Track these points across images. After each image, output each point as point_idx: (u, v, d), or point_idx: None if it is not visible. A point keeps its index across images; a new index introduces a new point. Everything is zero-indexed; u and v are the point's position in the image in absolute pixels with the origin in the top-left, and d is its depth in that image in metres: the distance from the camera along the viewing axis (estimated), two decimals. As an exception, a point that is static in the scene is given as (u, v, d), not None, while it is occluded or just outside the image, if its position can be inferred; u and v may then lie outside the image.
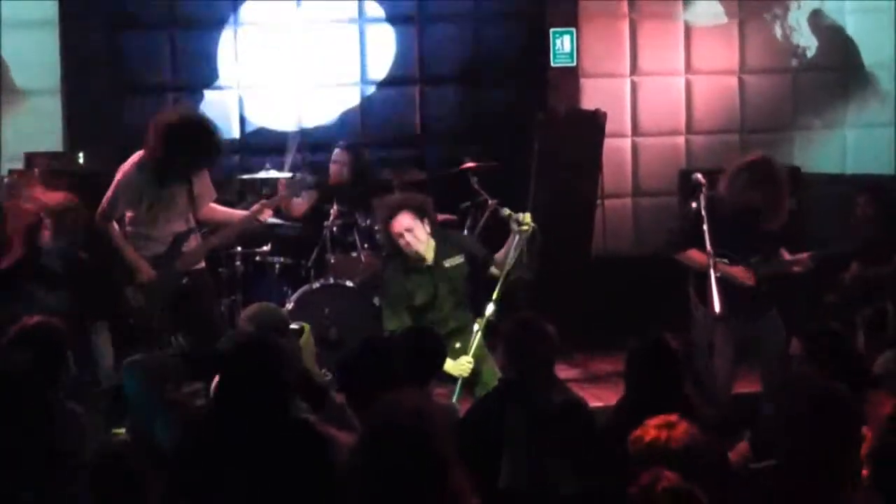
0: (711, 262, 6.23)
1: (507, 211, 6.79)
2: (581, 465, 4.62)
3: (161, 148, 6.59)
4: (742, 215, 6.55)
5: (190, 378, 5.18)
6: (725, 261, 6.49)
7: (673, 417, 3.86)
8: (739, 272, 6.59)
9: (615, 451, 4.07)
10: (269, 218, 7.13)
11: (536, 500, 4.65)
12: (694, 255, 6.55)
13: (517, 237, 6.63)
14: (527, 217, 6.65)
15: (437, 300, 6.72)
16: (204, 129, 6.68)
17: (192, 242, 6.91)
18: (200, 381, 5.14)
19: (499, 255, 6.81)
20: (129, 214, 6.81)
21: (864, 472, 3.89)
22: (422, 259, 6.73)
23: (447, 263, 6.78)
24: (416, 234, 6.68)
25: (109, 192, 6.76)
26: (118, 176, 6.78)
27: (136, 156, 6.78)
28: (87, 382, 6.10)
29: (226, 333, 5.90)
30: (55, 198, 6.96)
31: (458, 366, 6.45)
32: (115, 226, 6.80)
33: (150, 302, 6.71)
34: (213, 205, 7.04)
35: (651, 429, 3.82)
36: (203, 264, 7.05)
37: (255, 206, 7.01)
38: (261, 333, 5.15)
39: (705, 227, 6.33)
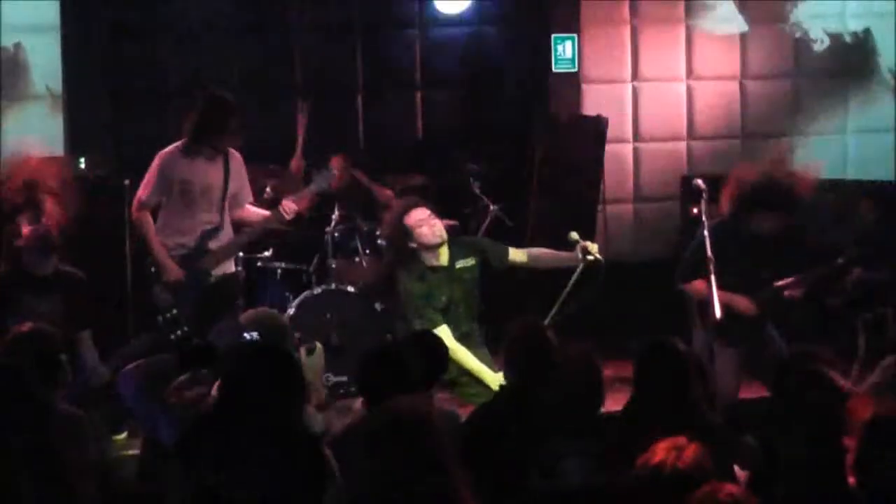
0: (712, 269, 6.23)
1: (575, 236, 6.67)
2: (585, 463, 4.63)
3: (197, 118, 6.79)
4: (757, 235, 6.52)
5: (182, 370, 5.18)
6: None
7: (681, 440, 3.84)
8: (741, 302, 6.55)
9: (624, 450, 4.05)
10: (293, 214, 7.03)
11: (538, 500, 4.66)
12: (700, 286, 6.49)
13: (580, 266, 6.56)
14: (594, 247, 6.57)
15: (452, 303, 6.71)
16: (232, 104, 6.89)
17: (222, 240, 6.92)
18: (191, 373, 5.13)
19: (533, 251, 6.79)
20: (163, 209, 6.85)
21: (852, 481, 3.91)
22: (436, 259, 6.70)
23: (459, 265, 6.77)
24: (431, 225, 6.67)
25: (146, 177, 6.84)
26: (155, 161, 6.87)
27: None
28: (81, 386, 6.10)
29: (216, 328, 5.88)
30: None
31: (500, 379, 6.44)
32: (149, 218, 6.83)
33: (177, 300, 6.71)
34: (250, 207, 7.07)
35: (660, 451, 3.80)
36: (233, 268, 7.07)
37: (284, 203, 6.98)
38: (272, 343, 5.16)
39: (706, 232, 6.32)
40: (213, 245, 6.86)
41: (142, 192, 6.84)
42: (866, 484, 3.81)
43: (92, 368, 6.25)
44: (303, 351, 5.54)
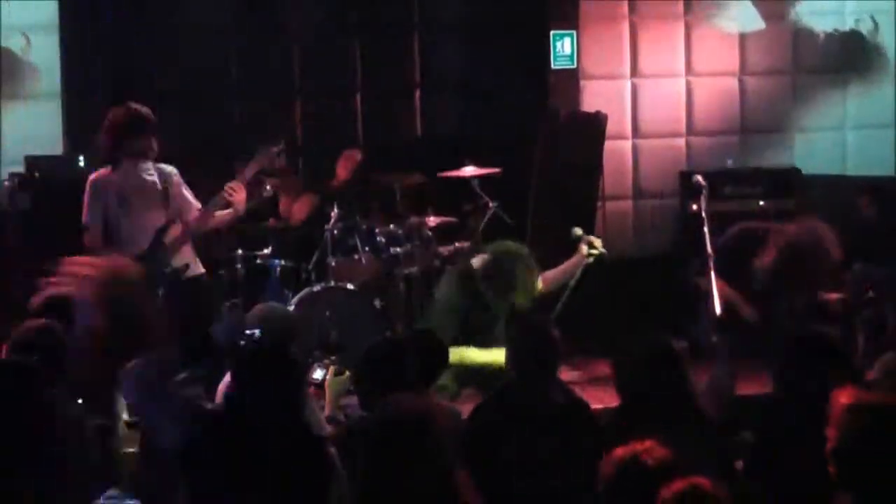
0: (712, 264, 6.23)
1: (579, 231, 6.63)
2: (582, 463, 4.63)
3: (106, 139, 6.85)
4: None
5: (184, 369, 5.18)
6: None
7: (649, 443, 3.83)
8: (747, 310, 6.52)
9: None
10: (241, 198, 6.93)
11: (538, 499, 4.65)
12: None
13: (585, 260, 6.53)
14: (598, 241, 6.53)
15: (490, 325, 6.67)
16: (130, 111, 6.85)
17: (174, 233, 6.90)
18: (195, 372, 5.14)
19: (546, 275, 6.77)
20: (111, 225, 6.85)
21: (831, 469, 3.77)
22: None
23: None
24: None
25: (84, 204, 6.87)
26: (87, 185, 6.92)
27: None
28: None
29: (221, 322, 5.88)
30: None
31: None
32: (98, 239, 6.83)
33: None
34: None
35: (618, 451, 3.78)
36: (202, 269, 7.05)
37: (227, 186, 6.94)
38: (279, 339, 5.15)
39: (705, 229, 6.32)
40: (166, 239, 6.86)
41: (84, 219, 6.86)
42: (844, 475, 3.65)
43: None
44: (331, 370, 5.57)
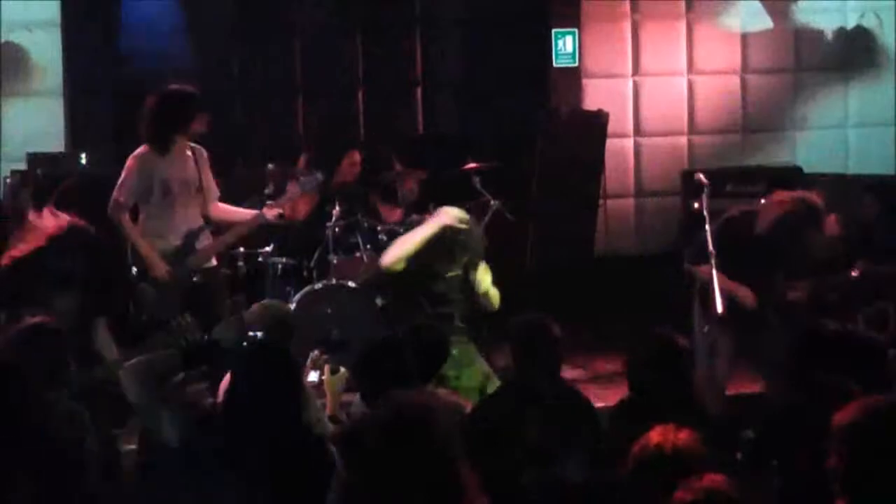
0: (713, 262, 6.23)
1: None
2: (587, 457, 4.64)
3: (152, 117, 6.74)
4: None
5: (186, 368, 5.18)
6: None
7: (671, 426, 3.80)
8: (742, 291, 6.53)
9: (620, 444, 4.05)
10: (275, 216, 7.06)
11: (545, 496, 4.66)
12: (707, 270, 6.44)
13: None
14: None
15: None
16: (184, 91, 6.85)
17: (205, 240, 6.91)
18: (195, 371, 5.14)
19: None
20: (143, 211, 6.81)
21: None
22: None
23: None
24: None
25: (122, 180, 6.77)
26: (130, 162, 6.79)
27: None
28: (93, 381, 6.08)
29: (220, 325, 5.87)
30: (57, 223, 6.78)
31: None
32: (128, 219, 6.80)
33: (162, 298, 6.70)
34: (221, 204, 7.05)
35: (655, 436, 3.76)
36: (215, 262, 7.06)
37: (266, 207, 6.98)
38: (277, 340, 5.16)
39: (707, 227, 6.32)
40: (198, 244, 6.85)
41: (119, 195, 6.73)
42: (844, 479, 3.39)
43: (112, 362, 6.21)
44: (326, 369, 5.58)
